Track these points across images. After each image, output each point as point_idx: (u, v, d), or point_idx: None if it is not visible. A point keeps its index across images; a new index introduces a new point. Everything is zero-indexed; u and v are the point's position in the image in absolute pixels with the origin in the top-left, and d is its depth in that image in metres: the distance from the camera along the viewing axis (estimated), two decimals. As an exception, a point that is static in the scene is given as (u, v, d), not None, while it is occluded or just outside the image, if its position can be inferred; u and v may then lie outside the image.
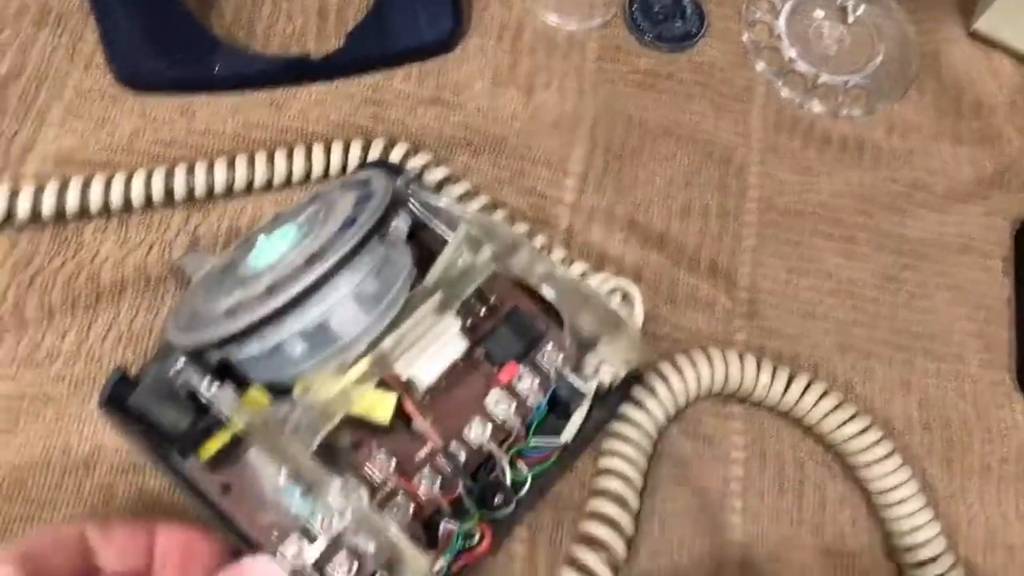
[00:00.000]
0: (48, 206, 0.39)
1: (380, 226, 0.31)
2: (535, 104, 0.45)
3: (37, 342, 0.37)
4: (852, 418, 0.39)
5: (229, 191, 0.41)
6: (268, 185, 0.41)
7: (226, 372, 0.33)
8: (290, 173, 0.41)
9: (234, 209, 0.41)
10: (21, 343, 0.37)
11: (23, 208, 0.38)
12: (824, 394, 0.39)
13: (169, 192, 0.40)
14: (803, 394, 0.39)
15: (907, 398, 0.42)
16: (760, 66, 0.49)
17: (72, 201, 0.39)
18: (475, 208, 0.41)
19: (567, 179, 0.44)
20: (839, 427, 0.39)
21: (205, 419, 0.32)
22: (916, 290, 0.44)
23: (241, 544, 0.33)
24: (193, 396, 0.32)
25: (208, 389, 0.30)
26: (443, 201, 0.34)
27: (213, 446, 0.32)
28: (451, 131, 0.43)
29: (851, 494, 0.39)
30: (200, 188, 0.40)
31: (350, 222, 0.30)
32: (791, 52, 0.49)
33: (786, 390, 0.39)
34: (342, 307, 0.30)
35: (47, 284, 0.38)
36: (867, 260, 0.44)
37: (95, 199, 0.39)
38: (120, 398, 0.34)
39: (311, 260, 0.29)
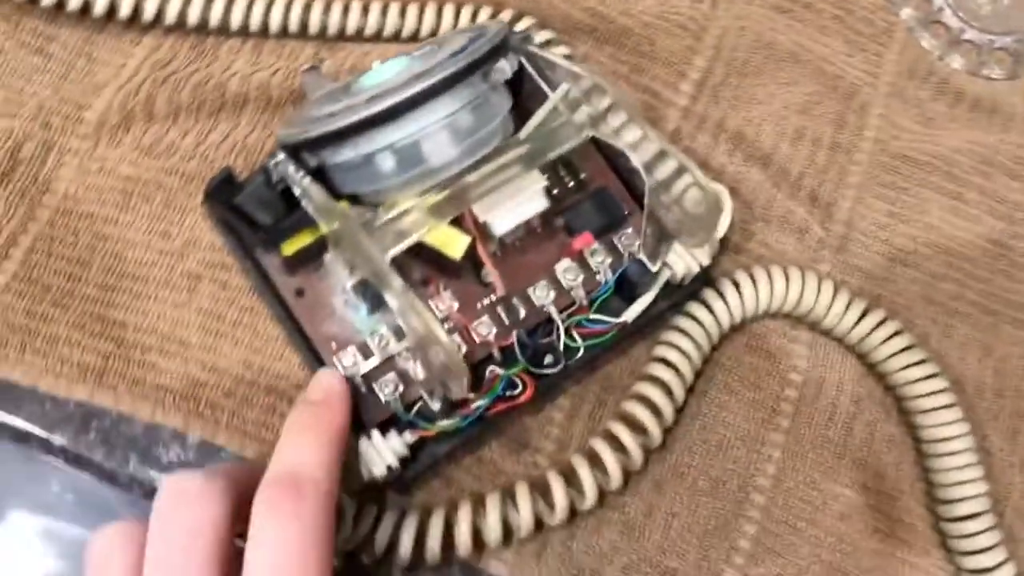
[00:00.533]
0: (193, 15, 0.41)
1: (485, 61, 0.32)
2: (668, 3, 0.45)
3: (160, 135, 0.40)
4: (920, 363, 0.38)
5: (359, 35, 0.43)
6: (396, 36, 0.43)
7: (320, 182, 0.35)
8: (419, 28, 0.43)
9: (361, 52, 0.43)
10: (147, 133, 0.40)
11: (171, 13, 0.41)
12: (896, 333, 0.39)
13: (304, 25, 0.42)
14: (874, 329, 0.39)
15: (984, 362, 0.40)
16: (906, 12, 0.47)
17: (216, 15, 0.41)
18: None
19: (683, 83, 0.44)
20: (904, 368, 0.38)
21: (294, 216, 0.34)
22: (1020, 260, 0.42)
23: (303, 349, 0.36)
24: (286, 195, 0.34)
25: (302, 179, 0.32)
26: (552, 55, 0.35)
27: (296, 243, 0.34)
28: (579, 15, 0.44)
29: (902, 439, 0.39)
30: (333, 27, 0.42)
31: (457, 52, 0.32)
32: (942, 1, 0.48)
33: (857, 322, 0.39)
34: (435, 132, 0.32)
35: (179, 84, 0.41)
36: (975, 221, 0.43)
37: (236, 18, 0.41)
38: (222, 194, 0.36)
39: (413, 79, 0.31)
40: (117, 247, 0.38)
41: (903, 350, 0.38)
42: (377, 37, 0.43)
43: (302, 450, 0.30)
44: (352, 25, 0.43)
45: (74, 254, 0.38)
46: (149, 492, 0.36)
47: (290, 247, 0.34)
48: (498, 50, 0.32)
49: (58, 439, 0.36)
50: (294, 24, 0.42)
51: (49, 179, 0.39)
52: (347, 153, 0.32)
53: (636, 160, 0.33)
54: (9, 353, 0.36)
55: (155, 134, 0.40)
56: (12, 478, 0.80)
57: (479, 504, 0.35)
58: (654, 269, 0.35)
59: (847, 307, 0.39)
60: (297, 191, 0.32)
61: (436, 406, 0.33)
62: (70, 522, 0.81)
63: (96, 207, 0.39)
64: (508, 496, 0.35)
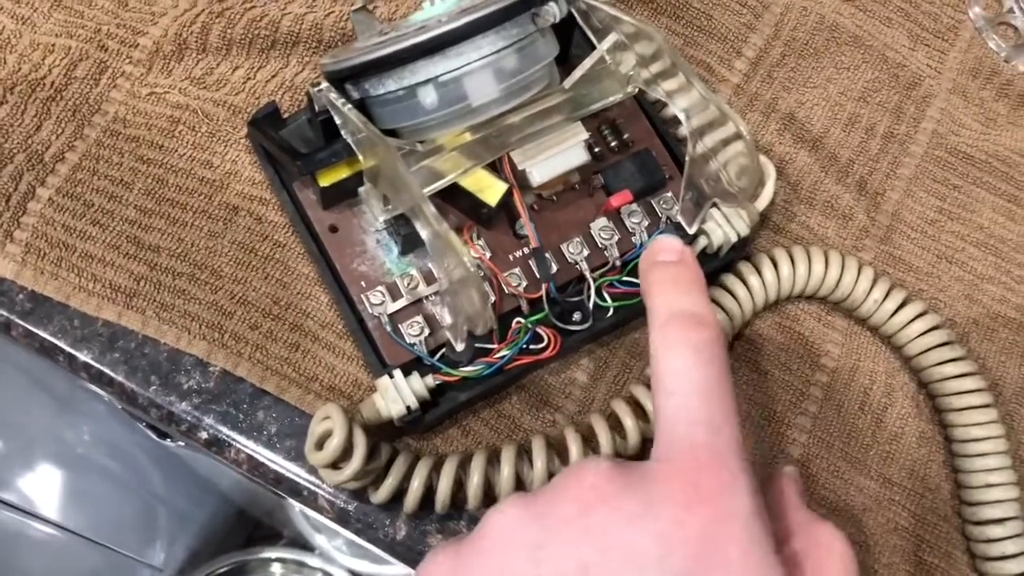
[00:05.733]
0: (254, -46, 0.42)
1: (534, 2, 0.32)
2: (730, -21, 0.45)
3: (212, 67, 0.40)
4: (957, 360, 0.37)
5: (416, -14, 0.43)
6: (452, -9, 0.43)
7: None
8: (475, -15, 0.43)
9: (414, 1, 0.43)
10: (198, 64, 0.40)
11: (232, -50, 0.41)
12: (934, 328, 0.37)
13: (361, -28, 0.42)
14: (912, 321, 0.37)
15: (1025, 368, 0.39)
16: (975, 11, 0.46)
17: (275, -45, 0.42)
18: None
19: (737, 61, 0.43)
20: (940, 364, 0.37)
21: (332, 147, 0.34)
22: (1072, 268, 0.41)
23: (333, 285, 0.36)
24: (327, 128, 0.34)
25: (344, 107, 0.32)
26: (603, 1, 0.34)
27: (333, 175, 0.34)
28: (638, -16, 0.44)
29: (933, 436, 0.38)
30: (390, -24, 0.43)
31: (506, -8, 0.31)
32: (1013, 3, 0.46)
33: (895, 313, 0.38)
34: (478, 69, 0.32)
35: (233, 19, 0.41)
36: (1027, 225, 0.42)
37: (296, -40, 0.42)
38: (266, 125, 0.37)
39: (460, 13, 0.31)
40: (159, 172, 0.38)
41: (940, 345, 0.37)
42: (433, -10, 0.43)
43: (683, 297, 0.30)
44: (410, -25, 0.43)
45: (117, 175, 0.38)
46: (165, 416, 0.36)
47: (327, 178, 0.34)
48: (548, -6, 0.32)
49: (83, 355, 0.37)
50: (352, -30, 0.42)
51: (100, 100, 0.39)
52: (390, 84, 0.32)
53: (681, 114, 0.33)
54: (45, 267, 0.37)
55: (206, 66, 0.40)
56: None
57: (494, 456, 0.34)
58: (691, 231, 0.35)
59: (885, 296, 0.38)
60: (339, 120, 0.32)
61: (460, 347, 0.33)
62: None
63: (143, 131, 0.39)
64: (523, 451, 0.34)
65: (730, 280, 0.37)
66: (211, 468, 0.93)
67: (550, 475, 0.34)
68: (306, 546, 1.03)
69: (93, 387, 0.38)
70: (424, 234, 0.30)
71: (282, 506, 0.98)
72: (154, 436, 0.64)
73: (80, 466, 0.84)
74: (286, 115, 0.38)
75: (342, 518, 0.36)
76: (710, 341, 0.28)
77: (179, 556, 0.99)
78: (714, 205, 0.36)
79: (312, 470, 0.35)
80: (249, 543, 1.10)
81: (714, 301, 0.37)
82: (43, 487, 0.80)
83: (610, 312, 0.36)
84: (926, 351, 0.37)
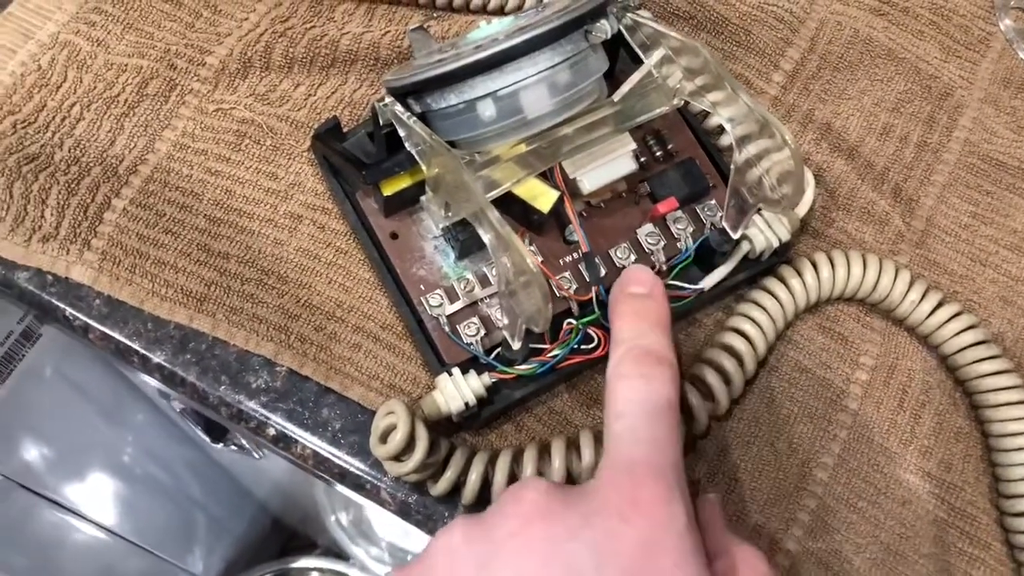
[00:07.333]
0: (312, -24, 0.44)
1: (586, 19, 0.33)
2: (766, -4, 0.46)
3: (275, 84, 0.43)
4: (992, 358, 0.38)
5: (466, 7, 0.45)
6: (501, 10, 0.45)
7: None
8: (523, 3, 0.45)
9: (466, 22, 0.45)
10: (262, 82, 0.43)
11: (293, -27, 0.44)
12: (970, 327, 0.39)
13: (415, -7, 0.45)
14: (948, 321, 0.39)
15: (1059, 366, 0.41)
16: (1005, 24, 0.48)
17: (334, -22, 0.44)
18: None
19: (775, 74, 0.45)
20: (976, 362, 0.38)
21: (395, 159, 0.36)
22: (1103, 270, 0.42)
23: (393, 289, 0.38)
24: (391, 138, 0.36)
25: (408, 119, 0.34)
26: (648, 19, 0.36)
27: (395, 185, 0.36)
28: (678, 2, 0.46)
29: (970, 431, 0.39)
30: (442, -2, 0.45)
31: (561, 11, 0.33)
32: (1042, 15, 0.48)
33: (932, 313, 0.39)
34: (534, 84, 0.33)
35: (296, 39, 0.43)
36: (1060, 230, 0.43)
37: (352, -18, 0.44)
38: (329, 138, 0.39)
39: (517, 31, 0.33)
40: (227, 183, 0.41)
41: (976, 344, 0.39)
42: (483, 10, 0.45)
43: (646, 334, 0.32)
44: (460, -3, 0.45)
45: (188, 186, 0.40)
46: (235, 414, 0.38)
47: (389, 187, 0.36)
48: (599, 11, 0.34)
49: (156, 357, 0.39)
50: (405, -8, 0.45)
51: (170, 116, 0.42)
52: (450, 99, 0.34)
53: (726, 123, 0.34)
54: (120, 273, 0.39)
55: (270, 83, 0.43)
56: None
57: (544, 450, 0.36)
58: (735, 236, 0.36)
59: (922, 297, 0.39)
60: (403, 132, 0.34)
61: (517, 345, 0.35)
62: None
63: (211, 145, 0.41)
64: (572, 444, 0.36)
65: (772, 283, 0.39)
66: (248, 477, 0.95)
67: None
68: (341, 555, 1.04)
69: (164, 387, 0.40)
70: (487, 238, 0.32)
71: (318, 515, 0.99)
72: (208, 439, 0.66)
73: (125, 473, 0.86)
74: (346, 129, 0.40)
75: (403, 511, 0.38)
76: (662, 373, 0.31)
77: (217, 565, 1.01)
78: (758, 211, 0.38)
79: (374, 465, 0.37)
80: (284, 553, 1.11)
81: (757, 303, 0.39)
82: (90, 492, 0.83)
83: (657, 313, 0.37)
84: (962, 350, 0.39)
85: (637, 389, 0.30)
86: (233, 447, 0.71)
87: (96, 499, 0.83)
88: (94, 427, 0.80)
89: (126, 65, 0.42)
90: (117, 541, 0.85)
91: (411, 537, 0.90)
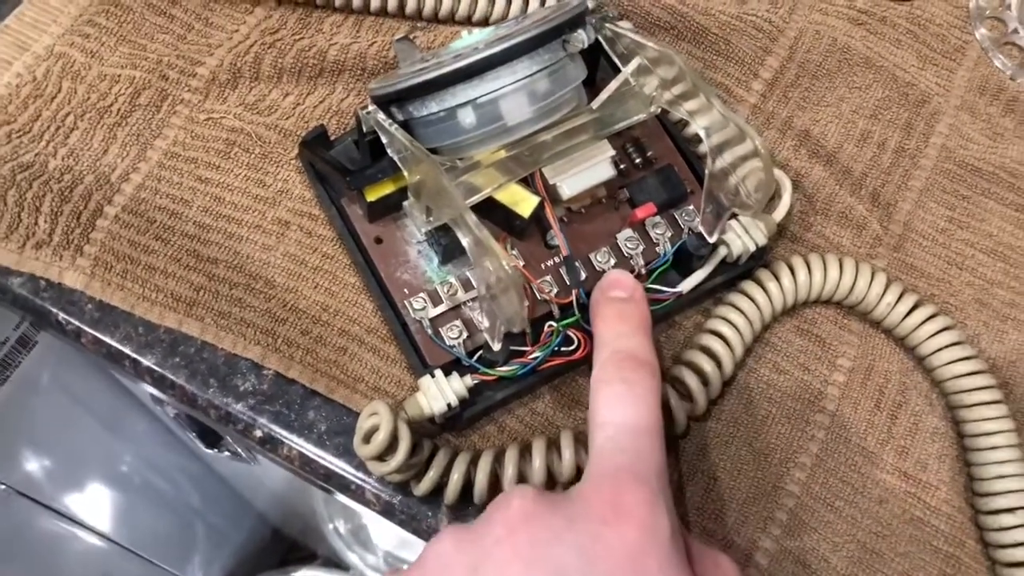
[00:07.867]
0: (301, -11, 0.45)
1: (564, 28, 0.34)
2: (747, 6, 0.47)
3: (264, 94, 0.44)
4: (968, 359, 0.39)
5: (451, 18, 0.46)
6: (485, 21, 0.46)
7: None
8: (506, 15, 0.46)
9: (451, 32, 0.46)
10: (251, 92, 0.44)
11: (283, -15, 0.45)
12: (946, 329, 0.40)
13: (401, 5, 0.46)
14: (924, 323, 0.40)
15: (1035, 368, 0.41)
16: (980, 32, 0.49)
17: (321, -10, 0.45)
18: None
19: (755, 82, 0.46)
20: (952, 363, 0.39)
21: (378, 165, 0.37)
22: (1078, 273, 0.43)
23: (378, 293, 0.38)
24: (374, 145, 0.37)
25: (391, 126, 0.34)
26: (625, 29, 0.37)
27: (379, 191, 0.37)
28: (659, 13, 0.46)
29: (946, 431, 0.40)
30: (427, 9, 0.46)
31: (539, 21, 0.34)
32: (1017, 24, 0.49)
33: (907, 315, 0.40)
34: (513, 92, 0.34)
35: (284, 49, 0.44)
36: (1035, 234, 0.44)
37: (340, -7, 0.45)
38: (316, 146, 0.40)
39: (497, 41, 0.33)
40: (216, 191, 0.42)
41: (951, 345, 0.39)
42: (468, 21, 0.46)
43: (628, 338, 0.33)
44: (445, 8, 0.46)
45: (178, 194, 0.41)
46: (223, 417, 0.39)
47: (373, 193, 0.37)
48: (577, 21, 0.35)
49: (147, 360, 0.40)
50: (392, 4, 0.45)
51: (162, 125, 0.43)
52: (431, 107, 0.35)
53: (702, 131, 0.35)
54: (112, 278, 0.40)
55: (259, 93, 0.44)
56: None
57: (526, 450, 0.36)
58: (711, 240, 0.37)
59: (898, 299, 0.40)
60: (385, 139, 0.35)
61: (497, 346, 0.35)
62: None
63: (201, 153, 0.42)
64: (553, 444, 0.37)
65: (750, 286, 0.40)
66: (246, 486, 0.96)
67: (577, 467, 0.36)
68: (340, 565, 1.05)
69: (155, 391, 0.41)
70: (466, 241, 0.33)
71: (316, 525, 1.00)
72: (203, 446, 0.67)
73: (123, 482, 0.87)
74: (333, 137, 0.41)
75: (388, 511, 0.38)
76: (643, 378, 0.31)
77: (216, 575, 1.01)
78: (733, 216, 0.39)
79: (360, 466, 0.38)
80: (283, 564, 1.12)
81: (735, 306, 0.39)
82: (90, 501, 0.83)
83: (636, 315, 0.38)
84: (938, 351, 0.40)
85: (620, 395, 0.31)
86: (227, 453, 0.71)
87: (95, 507, 0.84)
88: (92, 435, 0.81)
89: (119, 76, 0.43)
90: (116, 549, 0.86)
91: (408, 546, 0.90)
